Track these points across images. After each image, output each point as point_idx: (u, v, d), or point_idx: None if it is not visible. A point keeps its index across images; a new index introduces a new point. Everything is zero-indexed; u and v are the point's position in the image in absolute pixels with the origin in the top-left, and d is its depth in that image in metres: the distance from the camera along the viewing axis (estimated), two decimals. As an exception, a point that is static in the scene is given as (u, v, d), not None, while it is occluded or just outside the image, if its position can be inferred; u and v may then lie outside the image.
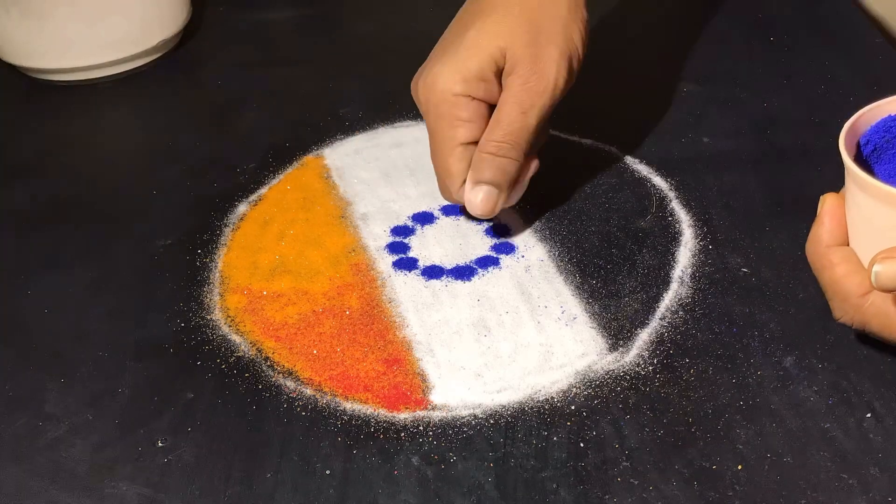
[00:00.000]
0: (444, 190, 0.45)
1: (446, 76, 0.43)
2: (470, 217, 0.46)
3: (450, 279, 0.44)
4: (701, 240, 0.46)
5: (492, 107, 0.44)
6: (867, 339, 0.40)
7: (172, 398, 0.39)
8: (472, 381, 0.39)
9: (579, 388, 0.38)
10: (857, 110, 0.38)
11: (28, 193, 0.53)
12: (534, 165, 0.45)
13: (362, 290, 0.44)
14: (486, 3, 0.44)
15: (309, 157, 0.54)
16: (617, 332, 0.41)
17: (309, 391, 0.39)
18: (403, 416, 0.38)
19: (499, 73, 0.43)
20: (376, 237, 0.47)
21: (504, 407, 0.38)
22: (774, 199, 0.48)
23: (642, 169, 0.51)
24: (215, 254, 0.47)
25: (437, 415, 0.38)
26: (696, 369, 0.39)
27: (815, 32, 0.64)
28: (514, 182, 0.44)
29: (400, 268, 0.45)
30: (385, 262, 0.46)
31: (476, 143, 0.43)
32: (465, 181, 0.44)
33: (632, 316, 0.42)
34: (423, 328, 0.42)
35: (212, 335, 0.42)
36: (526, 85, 0.42)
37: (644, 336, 0.41)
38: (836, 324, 0.40)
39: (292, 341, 0.41)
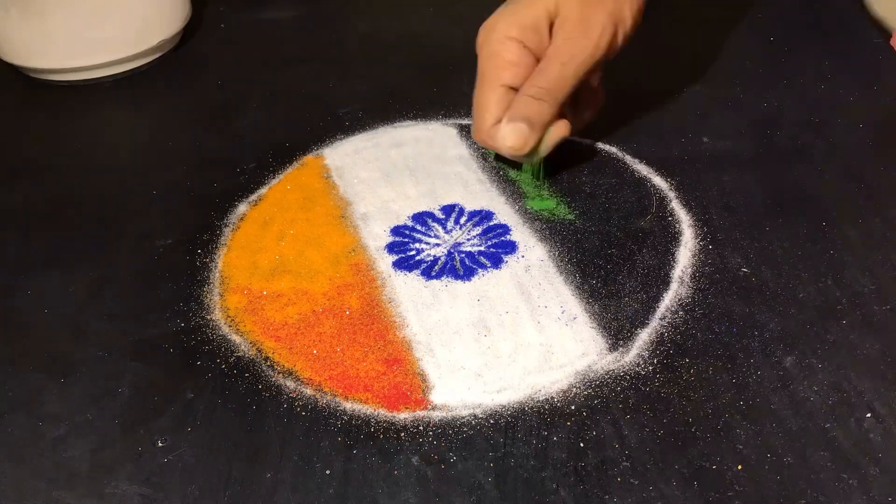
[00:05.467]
0: (478, 125, 0.48)
1: (504, 22, 0.48)
2: (501, 160, 0.51)
3: (450, 279, 0.44)
4: (701, 240, 0.46)
5: (538, 61, 0.48)
6: (867, 339, 0.40)
7: (172, 398, 0.39)
8: (472, 381, 0.39)
9: (579, 388, 0.38)
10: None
11: (28, 193, 0.53)
12: (563, 124, 0.48)
13: (362, 290, 0.44)
14: None
15: (309, 157, 0.54)
16: (617, 332, 0.41)
17: (309, 391, 0.39)
18: (403, 416, 0.38)
19: (550, 27, 0.48)
20: (376, 237, 0.47)
21: (504, 407, 0.38)
22: (774, 199, 0.48)
23: (642, 169, 0.51)
24: (215, 254, 0.47)
25: (437, 415, 0.38)
26: (696, 369, 0.39)
27: (815, 32, 0.64)
28: (544, 129, 0.47)
29: (400, 268, 0.45)
30: (385, 262, 0.46)
31: (516, 89, 0.47)
32: (497, 120, 0.47)
33: (632, 316, 0.42)
34: (423, 328, 0.42)
35: (212, 335, 0.42)
36: (569, 40, 0.47)
37: (644, 336, 0.41)
38: (836, 324, 0.41)
39: (292, 341, 0.41)
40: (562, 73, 0.46)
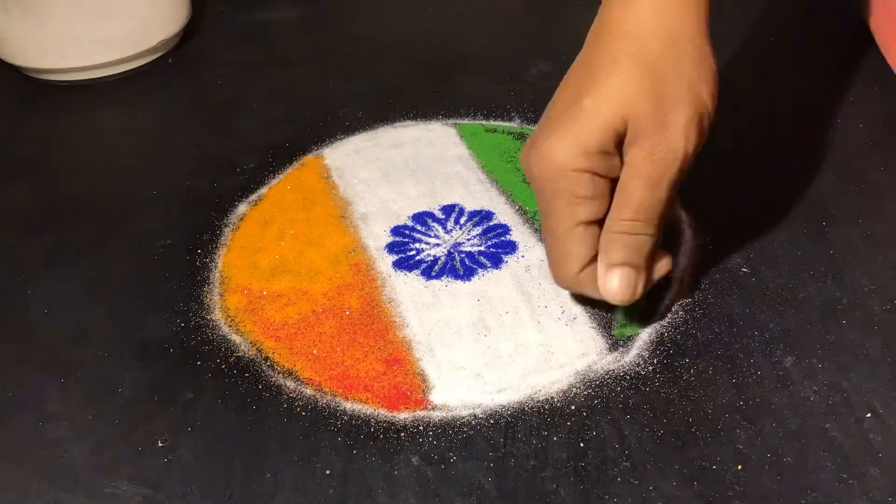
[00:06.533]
0: (561, 273, 0.40)
1: (564, 150, 0.37)
2: (590, 302, 0.42)
3: (450, 279, 0.44)
4: (701, 240, 0.46)
5: (612, 181, 0.39)
6: (867, 339, 0.40)
7: (172, 398, 0.39)
8: (472, 381, 0.39)
9: (579, 388, 0.38)
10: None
11: (28, 193, 0.53)
12: (666, 260, 0.41)
13: (362, 290, 0.44)
14: (601, 64, 0.38)
15: (309, 157, 0.54)
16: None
17: (309, 391, 0.39)
18: (403, 416, 0.38)
19: (620, 144, 0.38)
20: (376, 237, 0.47)
21: (504, 407, 0.38)
22: (775, 199, 0.48)
23: (642, 169, 0.51)
24: (215, 254, 0.47)
25: (437, 415, 0.38)
26: (696, 369, 0.39)
27: (814, 33, 0.64)
28: (651, 260, 0.40)
29: (400, 268, 0.45)
30: (385, 262, 0.46)
31: (596, 222, 0.39)
32: (585, 265, 0.39)
33: (632, 316, 0.42)
34: (423, 328, 0.42)
35: (212, 335, 0.42)
36: (652, 157, 0.37)
37: (644, 336, 0.41)
38: (836, 324, 0.41)
39: (292, 341, 0.41)
40: (653, 197, 0.37)
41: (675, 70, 0.38)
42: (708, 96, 0.38)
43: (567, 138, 0.37)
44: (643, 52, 0.38)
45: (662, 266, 0.40)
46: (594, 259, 0.39)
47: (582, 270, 0.39)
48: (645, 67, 0.37)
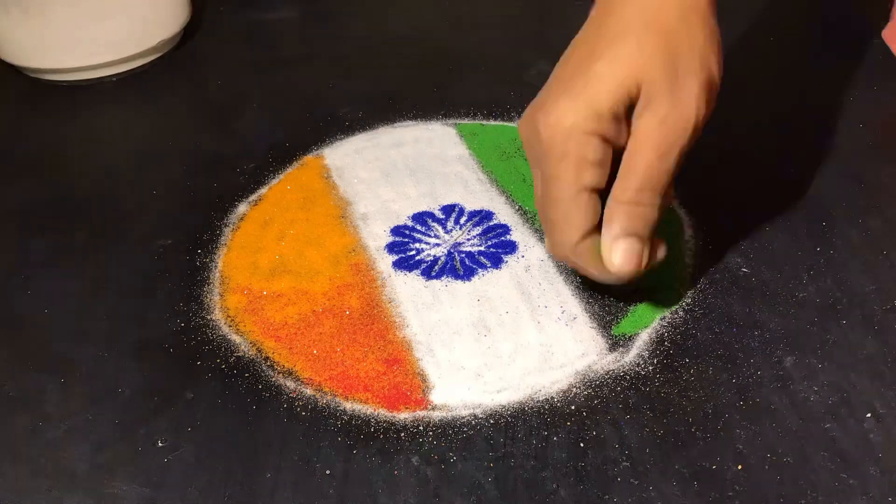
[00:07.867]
0: (561, 241, 0.39)
1: (576, 112, 0.36)
2: (592, 284, 0.42)
3: (450, 279, 0.44)
4: (701, 240, 0.46)
5: (616, 152, 0.38)
6: (867, 339, 0.40)
7: (172, 398, 0.39)
8: (472, 381, 0.39)
9: (579, 388, 0.38)
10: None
11: (28, 193, 0.53)
12: (663, 246, 0.40)
13: (362, 290, 0.44)
14: (613, 27, 0.38)
15: (309, 157, 0.54)
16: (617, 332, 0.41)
17: (309, 391, 0.39)
18: (403, 416, 0.38)
19: (629, 111, 0.37)
20: (376, 237, 0.47)
21: (504, 407, 0.38)
22: (774, 199, 0.48)
23: (642, 169, 0.51)
24: (215, 254, 0.47)
25: (437, 415, 0.38)
26: (696, 369, 0.39)
27: (814, 32, 0.64)
28: (655, 235, 0.39)
29: (400, 268, 0.45)
30: (385, 262, 0.46)
31: (597, 191, 0.38)
32: (585, 234, 0.38)
33: (632, 316, 0.42)
34: (423, 328, 0.42)
35: (212, 335, 0.42)
36: (664, 124, 0.36)
37: (644, 336, 0.41)
38: (836, 324, 0.41)
39: (292, 341, 0.41)
40: (661, 166, 0.37)
41: (688, 39, 0.37)
42: (717, 68, 0.38)
43: (580, 100, 0.37)
44: (657, 18, 0.37)
45: (661, 249, 0.40)
46: (593, 230, 0.38)
47: (582, 240, 0.38)
48: (659, 33, 0.37)
